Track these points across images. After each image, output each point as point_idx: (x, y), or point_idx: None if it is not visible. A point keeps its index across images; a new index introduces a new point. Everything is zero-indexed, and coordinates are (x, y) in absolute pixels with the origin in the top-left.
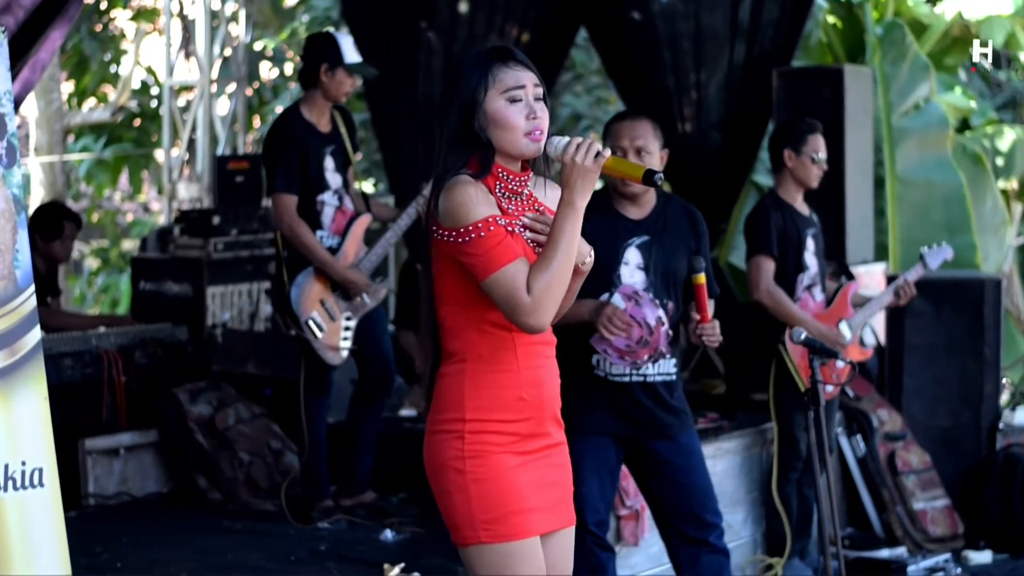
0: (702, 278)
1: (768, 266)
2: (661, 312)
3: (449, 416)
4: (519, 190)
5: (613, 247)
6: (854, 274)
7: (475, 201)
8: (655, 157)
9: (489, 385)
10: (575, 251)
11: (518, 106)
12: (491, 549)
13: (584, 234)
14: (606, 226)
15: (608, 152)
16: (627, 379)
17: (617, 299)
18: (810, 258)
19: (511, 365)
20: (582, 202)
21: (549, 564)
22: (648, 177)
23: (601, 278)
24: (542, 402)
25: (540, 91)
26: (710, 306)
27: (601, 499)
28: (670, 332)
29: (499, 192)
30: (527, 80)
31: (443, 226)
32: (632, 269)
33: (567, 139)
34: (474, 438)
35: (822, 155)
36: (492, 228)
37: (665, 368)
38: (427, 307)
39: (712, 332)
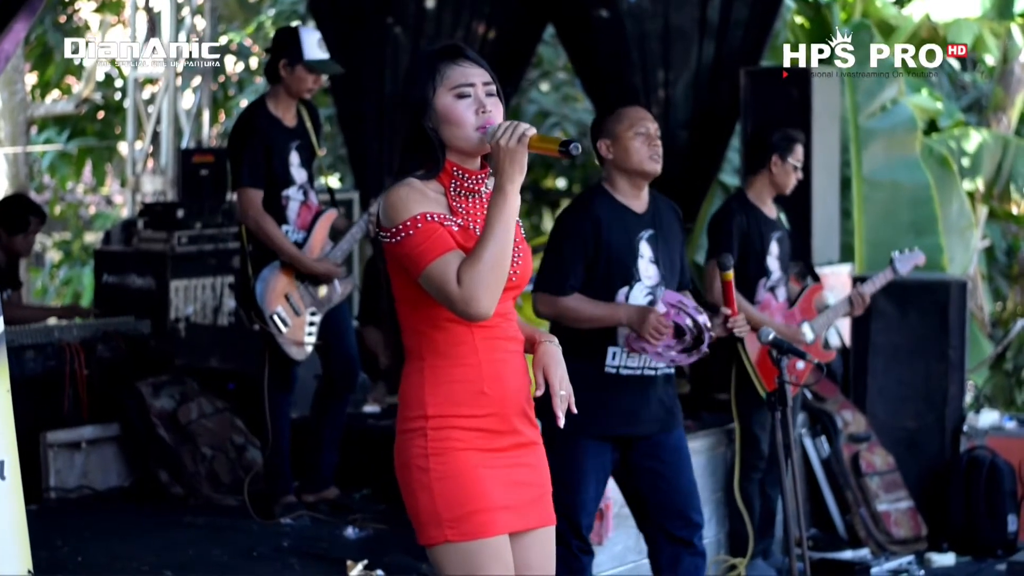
0: (731, 275)
1: None
2: (705, 316)
3: (411, 414)
4: (475, 188)
5: (629, 240)
6: (819, 275)
7: (407, 201)
8: None
9: (448, 380)
10: (510, 237)
11: (466, 101)
12: (457, 548)
13: (603, 228)
14: (619, 220)
15: (533, 130)
16: (639, 372)
17: (660, 306)
18: (773, 262)
19: (471, 360)
20: (512, 186)
21: (527, 564)
22: (564, 147)
23: (621, 272)
24: (506, 397)
25: (492, 87)
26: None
27: (595, 503)
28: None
29: (453, 190)
30: (476, 77)
31: (382, 227)
32: (646, 263)
33: (496, 125)
34: (437, 434)
35: (800, 164)
36: (421, 225)
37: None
38: (390, 308)
39: (743, 324)
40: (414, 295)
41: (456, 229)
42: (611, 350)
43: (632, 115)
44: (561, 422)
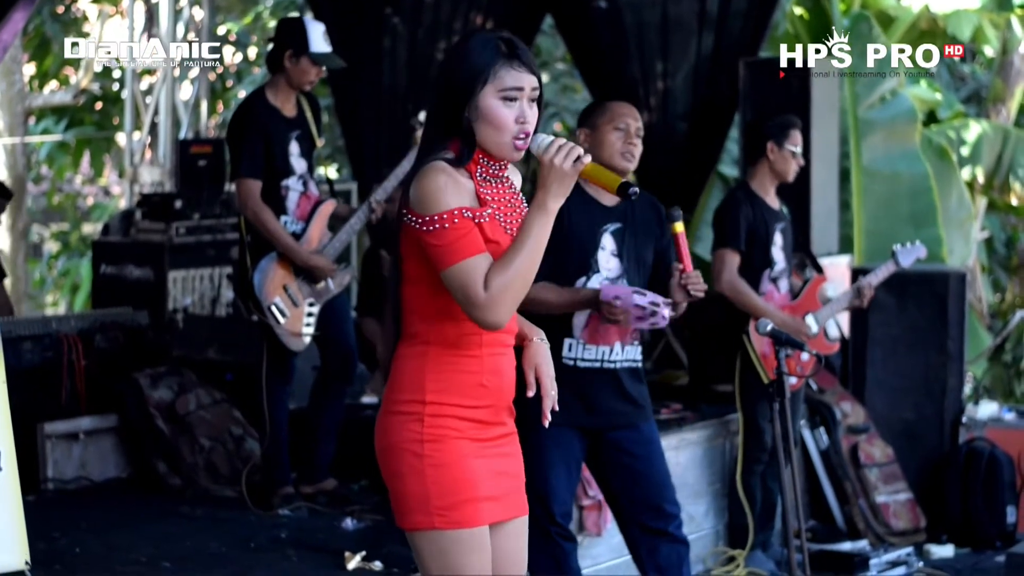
0: (680, 226)
1: (733, 259)
2: (646, 298)
3: (407, 397)
4: (499, 174)
5: (591, 231)
6: (822, 267)
7: (444, 190)
8: None
9: (452, 369)
10: (541, 253)
11: (511, 108)
12: (443, 535)
13: (565, 216)
14: (583, 210)
15: (588, 158)
16: (597, 365)
17: (607, 294)
18: (777, 253)
19: (475, 351)
20: (555, 205)
21: (504, 552)
22: (623, 189)
23: (580, 261)
24: (501, 390)
25: (536, 93)
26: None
27: (567, 490)
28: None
29: (479, 176)
30: (525, 82)
31: (412, 210)
32: (607, 255)
33: (551, 139)
34: (433, 421)
35: (800, 149)
36: (457, 220)
37: (632, 355)
38: (393, 288)
39: (697, 280)
40: (431, 280)
41: (486, 221)
42: (567, 342)
43: (615, 110)
44: (547, 421)
